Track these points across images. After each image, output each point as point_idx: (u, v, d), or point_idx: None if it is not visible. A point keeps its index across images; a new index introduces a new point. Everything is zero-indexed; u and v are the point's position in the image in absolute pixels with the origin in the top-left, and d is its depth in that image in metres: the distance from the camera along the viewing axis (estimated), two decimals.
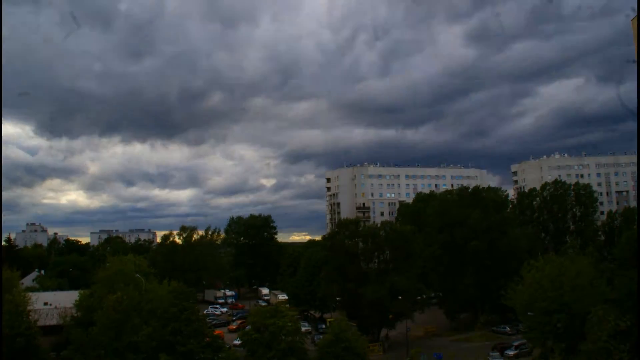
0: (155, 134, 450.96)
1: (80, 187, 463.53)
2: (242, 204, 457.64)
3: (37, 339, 51.19)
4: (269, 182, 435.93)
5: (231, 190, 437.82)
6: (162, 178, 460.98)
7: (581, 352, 45.03)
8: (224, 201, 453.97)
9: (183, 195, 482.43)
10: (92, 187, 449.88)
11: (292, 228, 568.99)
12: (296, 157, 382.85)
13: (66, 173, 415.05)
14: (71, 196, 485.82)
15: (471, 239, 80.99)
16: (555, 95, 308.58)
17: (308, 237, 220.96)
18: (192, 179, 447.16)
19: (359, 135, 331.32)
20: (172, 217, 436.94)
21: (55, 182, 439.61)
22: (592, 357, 42.76)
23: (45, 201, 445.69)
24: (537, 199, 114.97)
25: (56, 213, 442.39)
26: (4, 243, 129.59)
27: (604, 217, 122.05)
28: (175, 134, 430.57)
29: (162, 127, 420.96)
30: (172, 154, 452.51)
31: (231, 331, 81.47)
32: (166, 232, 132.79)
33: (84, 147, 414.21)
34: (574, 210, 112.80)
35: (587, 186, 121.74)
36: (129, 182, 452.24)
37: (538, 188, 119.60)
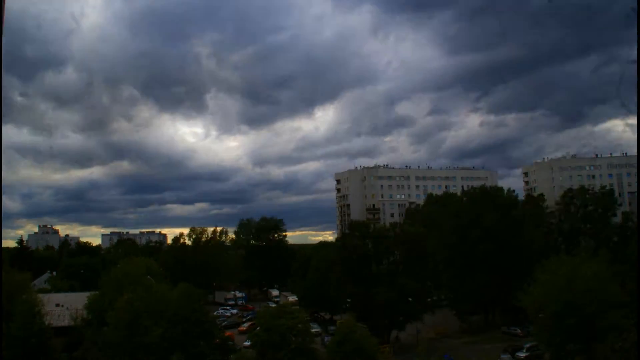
0: None
1: None
2: None
3: (50, 339, 51.60)
4: None
5: None
6: None
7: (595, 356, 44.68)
8: None
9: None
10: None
11: None
12: None
13: None
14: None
15: (483, 239, 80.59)
16: None
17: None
18: None
19: None
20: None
21: None
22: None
23: None
24: (546, 202, 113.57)
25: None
26: (16, 245, 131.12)
27: (616, 218, 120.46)
28: None
29: None
30: None
31: (241, 333, 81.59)
32: (176, 234, 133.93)
33: None
34: (591, 211, 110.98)
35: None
36: None
37: (548, 189, 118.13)
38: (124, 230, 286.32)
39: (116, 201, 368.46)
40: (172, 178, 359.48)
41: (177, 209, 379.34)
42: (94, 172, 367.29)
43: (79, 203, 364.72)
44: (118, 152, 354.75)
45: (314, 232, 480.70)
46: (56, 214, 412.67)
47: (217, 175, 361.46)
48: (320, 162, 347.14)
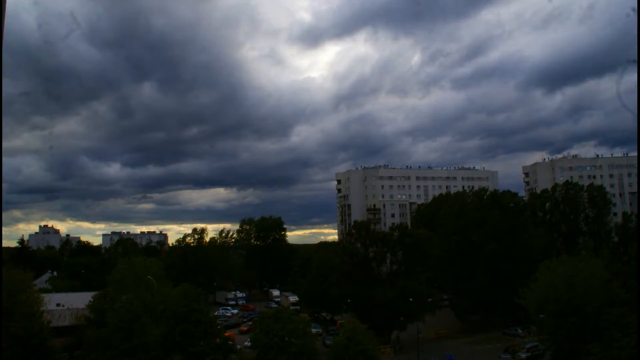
0: None
1: None
2: None
3: (50, 339, 51.58)
4: None
5: None
6: None
7: (592, 354, 44.65)
8: None
9: None
10: None
11: None
12: None
13: None
14: None
15: (487, 241, 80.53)
16: None
17: None
18: None
19: None
20: None
21: None
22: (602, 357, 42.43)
23: None
24: (548, 201, 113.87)
25: None
26: (17, 245, 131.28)
27: (617, 218, 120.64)
28: None
29: None
30: None
31: (242, 333, 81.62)
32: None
33: None
34: (587, 211, 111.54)
35: (600, 188, 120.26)
36: None
37: (549, 189, 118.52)
38: (125, 230, 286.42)
39: (117, 181, 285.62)
40: (205, 133, 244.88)
41: (193, 196, 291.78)
42: (77, 124, 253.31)
43: (64, 185, 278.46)
44: (129, 63, 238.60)
45: (319, 231, 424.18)
46: (38, 203, 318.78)
47: (277, 126, 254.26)
48: (462, 92, 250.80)
